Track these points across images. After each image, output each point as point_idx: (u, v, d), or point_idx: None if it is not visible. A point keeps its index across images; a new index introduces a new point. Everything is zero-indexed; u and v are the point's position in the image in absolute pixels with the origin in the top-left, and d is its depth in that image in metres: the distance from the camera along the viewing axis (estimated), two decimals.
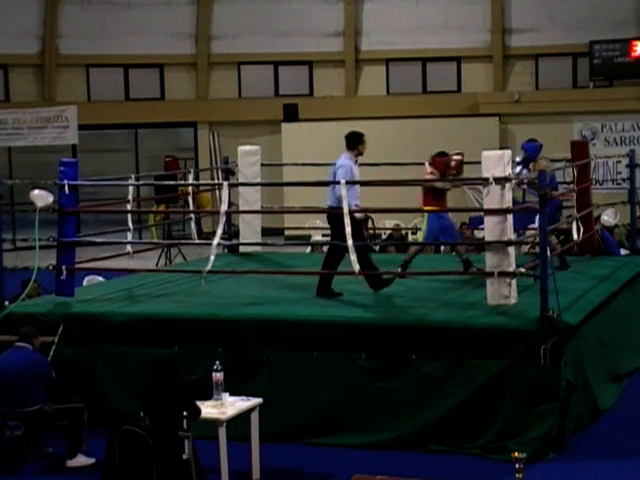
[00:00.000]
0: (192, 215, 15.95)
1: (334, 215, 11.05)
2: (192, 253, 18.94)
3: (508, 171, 9.98)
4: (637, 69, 26.26)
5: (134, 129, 28.49)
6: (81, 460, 9.50)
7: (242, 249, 14.61)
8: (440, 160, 12.39)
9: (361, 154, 11.48)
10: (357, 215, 11.08)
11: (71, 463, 9.51)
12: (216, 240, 11.17)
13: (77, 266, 11.59)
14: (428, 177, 12.25)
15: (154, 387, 8.39)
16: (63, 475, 9.42)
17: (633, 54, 26.24)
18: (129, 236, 12.82)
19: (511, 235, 10.12)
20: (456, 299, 10.94)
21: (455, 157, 12.46)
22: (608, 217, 16.07)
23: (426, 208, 12.11)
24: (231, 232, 15.00)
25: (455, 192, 21.06)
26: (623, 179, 22.28)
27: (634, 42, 26.24)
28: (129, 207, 12.90)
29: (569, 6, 26.84)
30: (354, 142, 11.41)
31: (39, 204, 11.22)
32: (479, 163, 10.22)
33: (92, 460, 9.45)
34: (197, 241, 14.57)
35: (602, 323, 11.14)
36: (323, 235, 20.64)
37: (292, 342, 10.11)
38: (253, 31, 27.66)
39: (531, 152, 12.61)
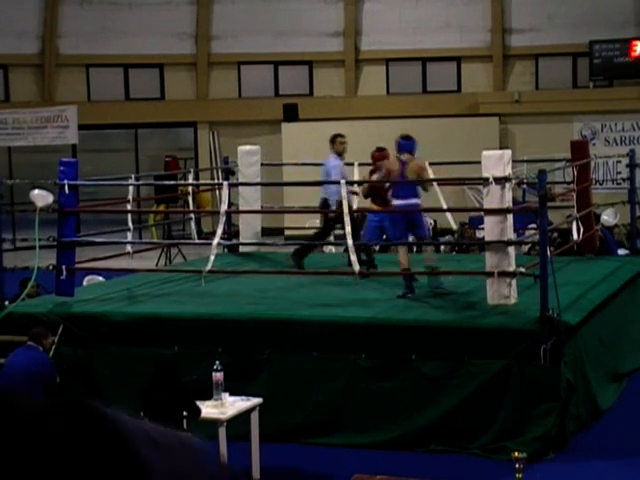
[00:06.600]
0: (192, 215, 15.95)
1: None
2: (192, 253, 18.92)
3: (508, 171, 9.99)
4: (637, 69, 26.27)
5: (134, 129, 28.47)
6: None
7: (242, 249, 14.60)
8: (378, 155, 12.84)
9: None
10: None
11: None
12: (216, 240, 11.18)
13: (77, 266, 11.59)
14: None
15: (154, 387, 8.38)
16: None
17: (633, 54, 26.24)
18: (129, 236, 12.83)
19: (511, 235, 10.12)
20: (456, 299, 10.95)
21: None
22: (608, 217, 16.06)
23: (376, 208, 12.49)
24: (231, 232, 15.00)
25: (455, 192, 21.20)
26: (623, 179, 22.26)
27: (634, 42, 26.25)
28: (129, 207, 12.91)
29: (569, 6, 26.83)
30: None
31: (39, 204, 11.22)
32: (479, 163, 10.22)
33: None
34: (197, 241, 14.57)
35: (602, 323, 11.14)
36: None
37: (292, 342, 10.11)
38: (253, 31, 27.65)
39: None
